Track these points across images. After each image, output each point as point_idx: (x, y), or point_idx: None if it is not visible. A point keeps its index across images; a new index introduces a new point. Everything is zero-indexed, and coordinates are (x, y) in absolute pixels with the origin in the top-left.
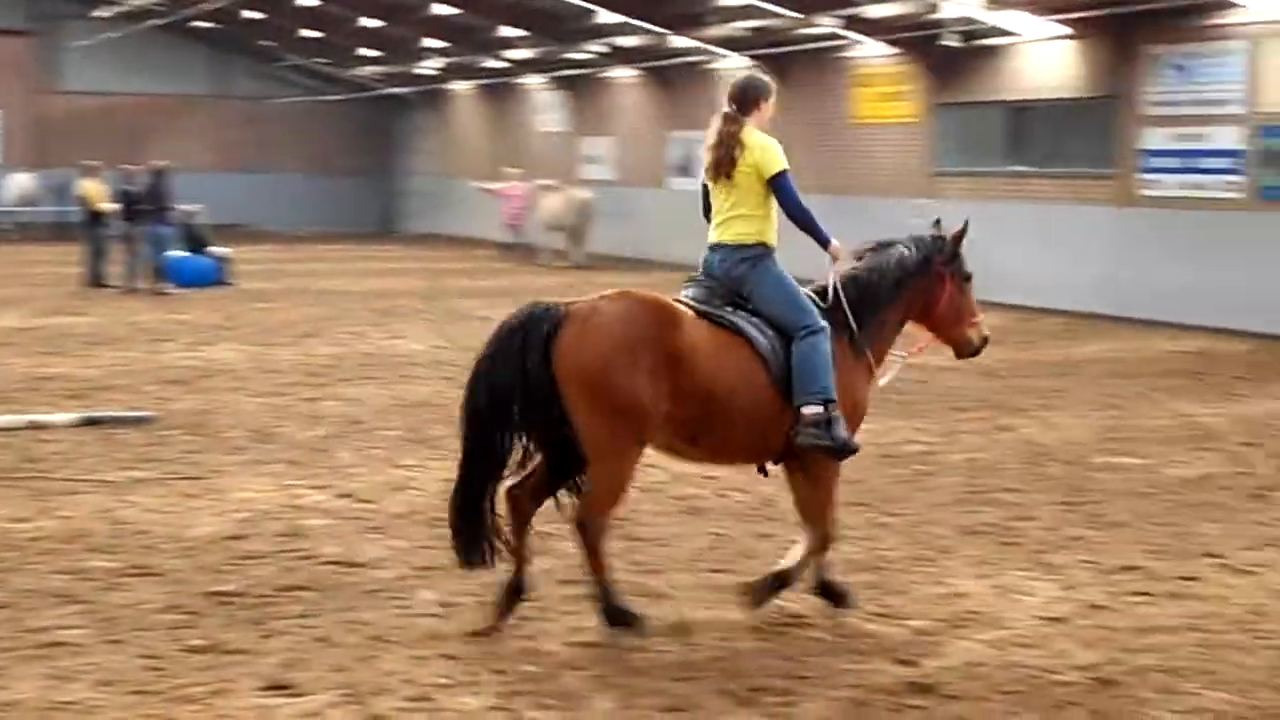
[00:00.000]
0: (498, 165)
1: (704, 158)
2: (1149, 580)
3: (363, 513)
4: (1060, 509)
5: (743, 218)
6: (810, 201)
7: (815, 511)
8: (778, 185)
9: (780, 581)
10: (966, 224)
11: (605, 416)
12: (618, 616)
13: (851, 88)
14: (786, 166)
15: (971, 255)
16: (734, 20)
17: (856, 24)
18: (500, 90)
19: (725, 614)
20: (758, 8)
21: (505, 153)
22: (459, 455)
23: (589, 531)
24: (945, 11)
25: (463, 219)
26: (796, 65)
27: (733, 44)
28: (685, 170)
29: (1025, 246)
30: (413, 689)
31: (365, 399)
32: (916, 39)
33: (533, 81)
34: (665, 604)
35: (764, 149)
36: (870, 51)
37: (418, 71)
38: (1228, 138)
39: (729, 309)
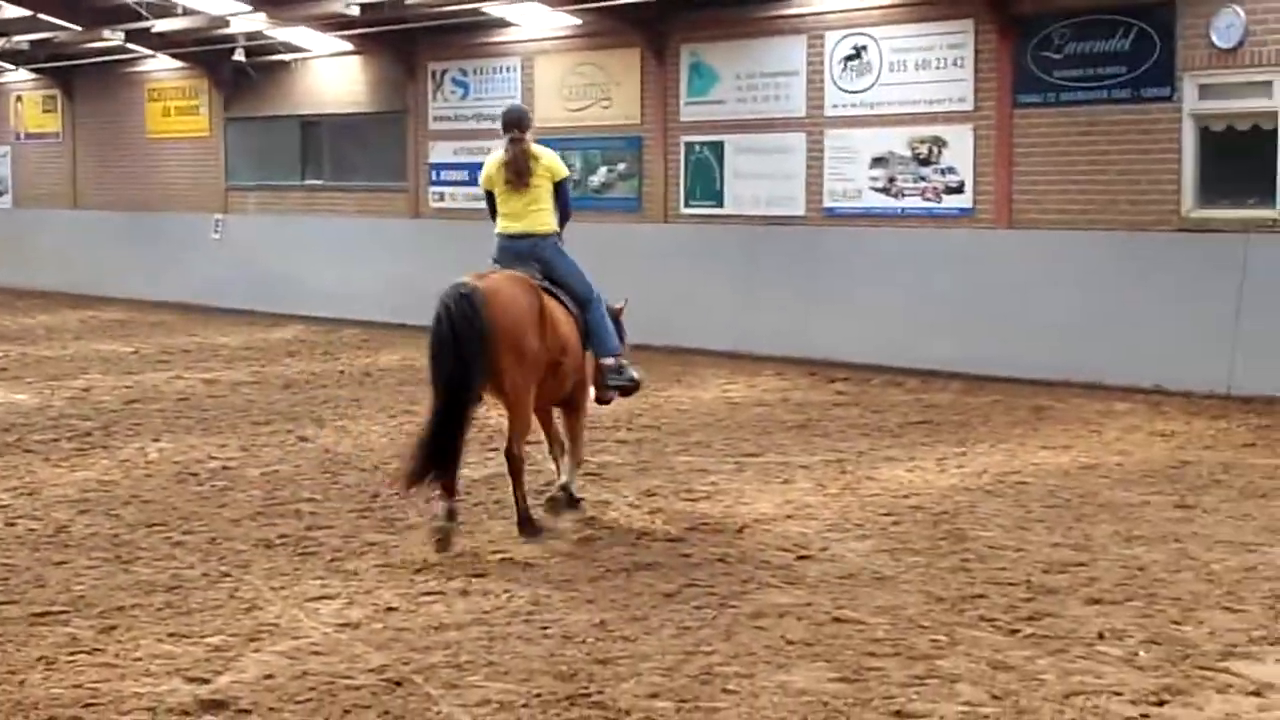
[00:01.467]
0: None
1: (497, 172)
2: (441, 580)
3: None
4: (356, 516)
5: (542, 211)
6: (109, 218)
7: (578, 435)
8: (564, 187)
9: (566, 492)
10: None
11: (521, 367)
12: (528, 527)
13: (145, 102)
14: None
15: (268, 268)
16: (16, 34)
17: (143, 38)
18: None
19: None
20: (41, 20)
21: None
22: (432, 409)
23: (515, 459)
24: (234, 27)
25: None
26: (87, 79)
27: (15, 58)
28: None
29: (323, 259)
30: None
31: None
32: (206, 54)
33: None
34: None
35: (551, 158)
36: (161, 66)
37: None
38: None
39: (547, 282)
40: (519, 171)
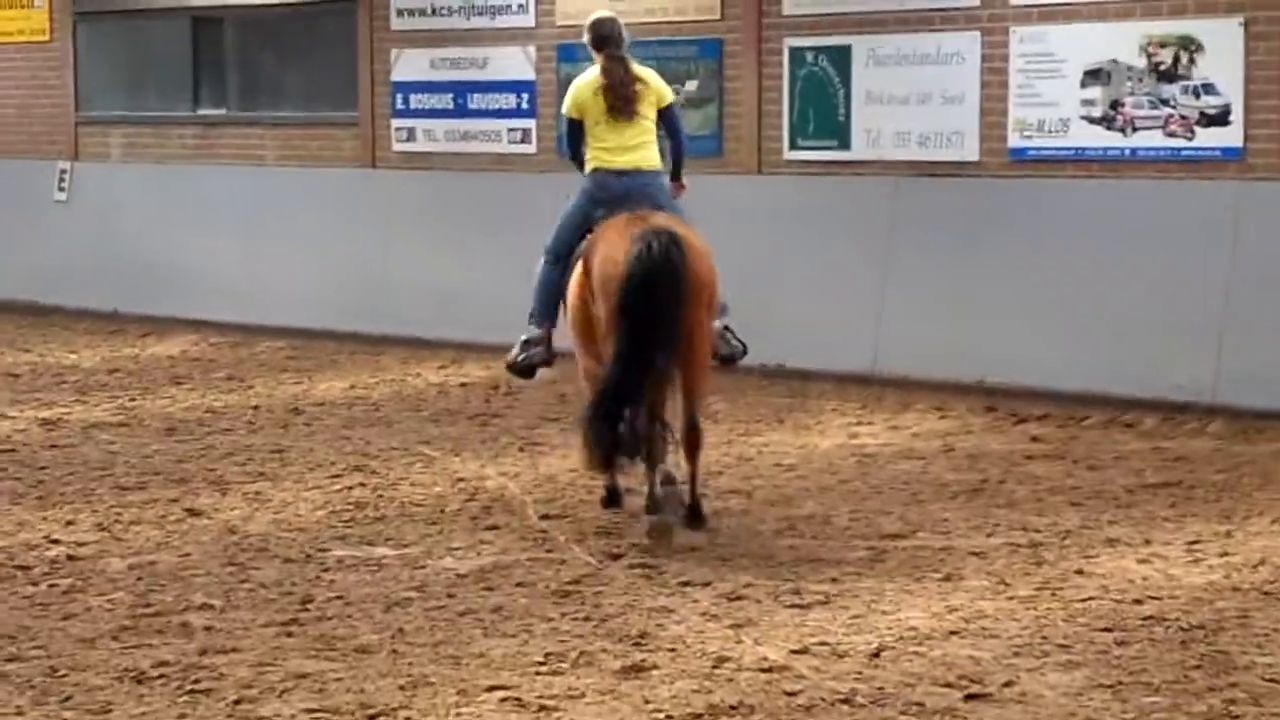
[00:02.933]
0: None
1: (594, 99)
2: None
3: None
4: (277, 633)
5: (652, 144)
6: None
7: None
8: (675, 113)
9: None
10: None
11: (709, 324)
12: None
13: None
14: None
15: (142, 246)
16: None
17: None
18: None
19: None
20: None
21: None
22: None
23: (700, 431)
24: None
25: None
26: None
27: None
28: None
29: (227, 232)
30: None
31: None
32: None
33: None
34: None
35: (658, 80)
36: None
37: None
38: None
39: None
40: (626, 98)
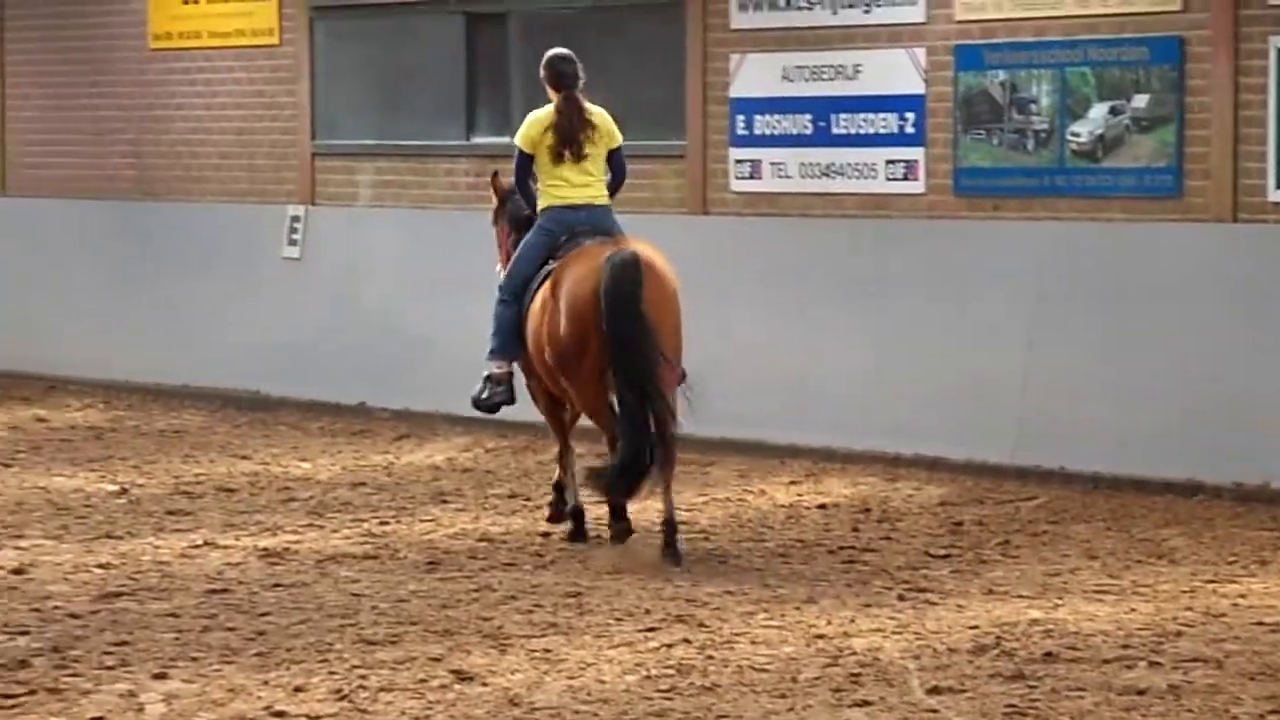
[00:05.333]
0: None
1: (544, 135)
2: None
3: None
4: None
5: (600, 180)
6: (59, 210)
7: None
8: (620, 155)
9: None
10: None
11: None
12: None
13: None
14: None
15: (405, 319)
16: None
17: None
18: None
19: None
20: None
21: None
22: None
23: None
24: None
25: None
26: None
27: None
28: None
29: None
30: None
31: None
32: None
33: None
34: None
35: (608, 122)
36: None
37: None
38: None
39: None
40: (576, 140)
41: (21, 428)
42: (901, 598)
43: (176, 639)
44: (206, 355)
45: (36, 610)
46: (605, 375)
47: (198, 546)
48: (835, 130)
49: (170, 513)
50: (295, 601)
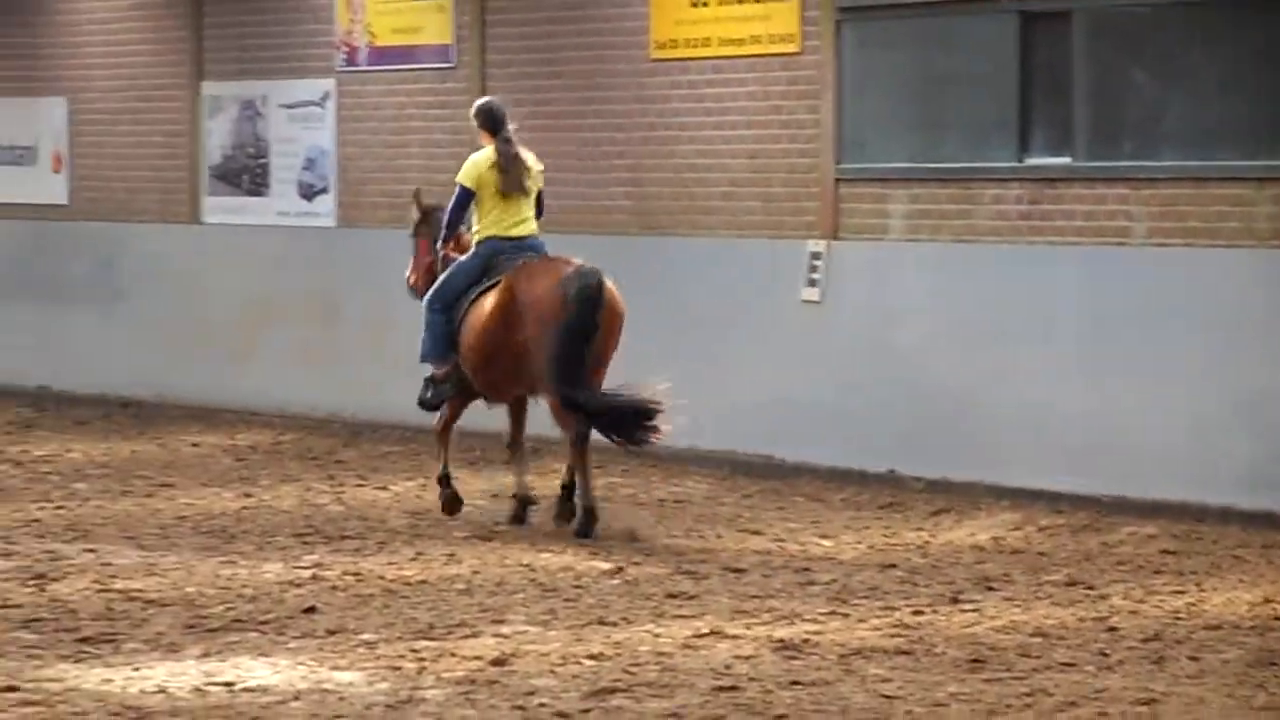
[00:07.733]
0: None
1: (489, 173)
2: None
3: None
4: None
5: (532, 217)
6: (605, 254)
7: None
8: (542, 195)
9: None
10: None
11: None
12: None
13: None
14: None
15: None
16: None
17: None
18: None
19: None
20: None
21: None
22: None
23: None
24: None
25: None
26: None
27: None
28: None
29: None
30: None
31: None
32: None
33: None
34: None
35: (537, 164)
36: None
37: None
38: None
39: None
40: (518, 178)
41: (504, 496)
42: None
43: None
44: (712, 413)
45: (520, 709)
46: (534, 370)
47: (702, 636)
48: None
49: (671, 595)
50: (816, 703)
